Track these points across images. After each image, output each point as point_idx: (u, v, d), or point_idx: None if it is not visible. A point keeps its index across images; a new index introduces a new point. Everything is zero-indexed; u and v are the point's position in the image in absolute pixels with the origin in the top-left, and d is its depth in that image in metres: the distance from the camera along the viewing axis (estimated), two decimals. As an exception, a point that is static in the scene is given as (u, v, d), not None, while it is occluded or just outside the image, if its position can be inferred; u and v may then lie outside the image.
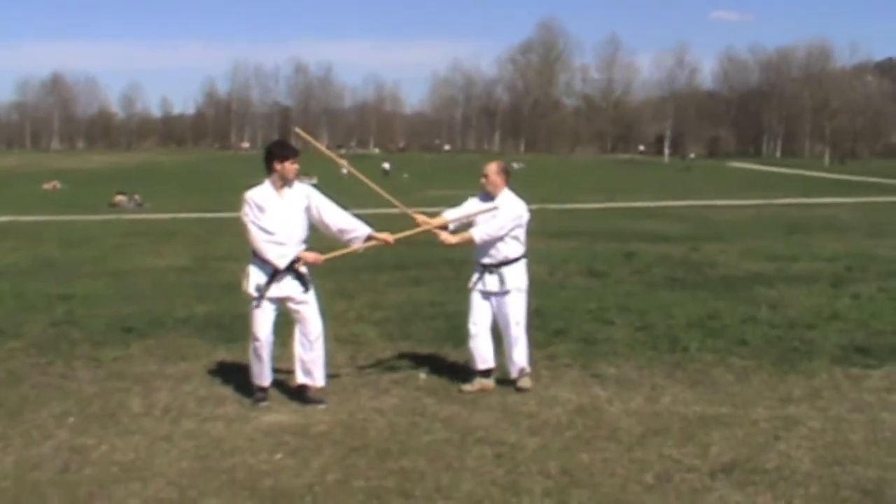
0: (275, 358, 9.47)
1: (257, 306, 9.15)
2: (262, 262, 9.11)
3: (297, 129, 10.83)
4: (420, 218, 9.91)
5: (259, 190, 9.11)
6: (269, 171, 9.14)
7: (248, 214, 9.07)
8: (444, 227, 9.89)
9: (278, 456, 7.59)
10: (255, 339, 9.21)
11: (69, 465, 7.41)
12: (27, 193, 68.95)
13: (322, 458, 7.50)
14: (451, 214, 9.97)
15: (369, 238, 9.39)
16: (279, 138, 9.97)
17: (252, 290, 9.13)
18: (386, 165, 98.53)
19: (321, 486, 6.94)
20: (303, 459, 7.49)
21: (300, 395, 9.31)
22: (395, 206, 10.07)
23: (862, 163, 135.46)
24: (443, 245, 9.90)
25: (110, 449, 7.79)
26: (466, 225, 9.80)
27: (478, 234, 9.59)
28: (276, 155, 9.12)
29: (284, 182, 9.14)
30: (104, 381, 10.05)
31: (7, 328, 12.89)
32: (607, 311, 13.79)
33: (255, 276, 9.13)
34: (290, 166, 9.11)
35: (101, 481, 7.06)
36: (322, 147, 10.31)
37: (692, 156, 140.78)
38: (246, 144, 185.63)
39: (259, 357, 9.25)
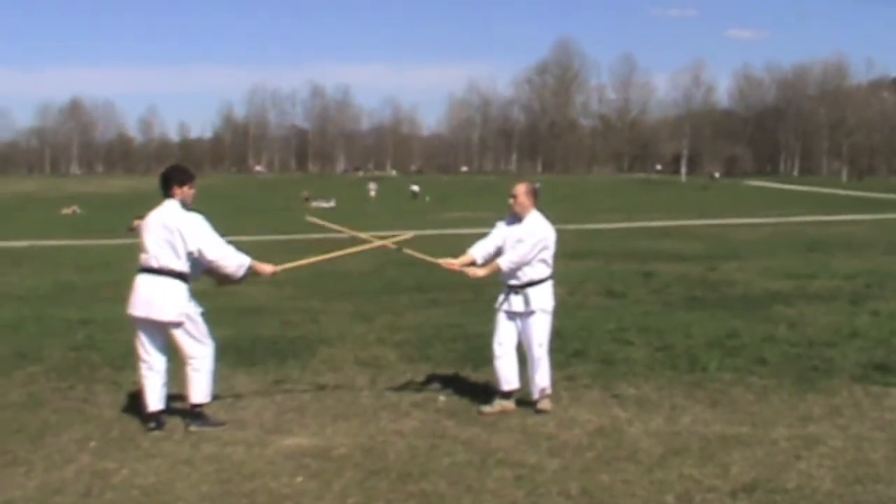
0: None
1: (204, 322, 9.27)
2: (187, 281, 9.15)
3: (310, 219, 10.85)
4: (445, 262, 10.03)
5: (178, 208, 9.18)
6: (168, 195, 9.23)
7: (204, 230, 9.14)
8: (471, 264, 9.95)
9: (299, 479, 7.60)
10: (211, 344, 9.36)
11: (91, 489, 7.44)
12: (46, 218, 69.38)
13: (343, 481, 7.51)
14: (477, 250, 9.99)
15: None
16: (177, 164, 10.10)
17: (199, 307, 9.23)
18: (415, 188, 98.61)
19: (342, 508, 6.96)
20: (324, 482, 7.50)
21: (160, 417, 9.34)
22: (425, 261, 10.22)
23: (880, 179, 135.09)
24: (473, 279, 9.98)
25: (131, 473, 7.81)
26: (495, 254, 9.83)
27: (504, 262, 9.65)
28: (176, 180, 9.27)
29: (186, 207, 9.25)
30: (124, 406, 10.08)
31: (27, 353, 12.93)
32: (626, 331, 13.76)
33: (192, 295, 9.21)
34: (188, 190, 9.29)
35: (123, 505, 7.09)
36: (343, 229, 10.41)
37: (716, 174, 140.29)
38: (258, 167, 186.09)
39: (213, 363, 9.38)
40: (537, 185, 10.09)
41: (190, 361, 9.19)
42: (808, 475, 7.51)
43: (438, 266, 10.14)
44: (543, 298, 9.72)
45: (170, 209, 9.15)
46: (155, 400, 9.23)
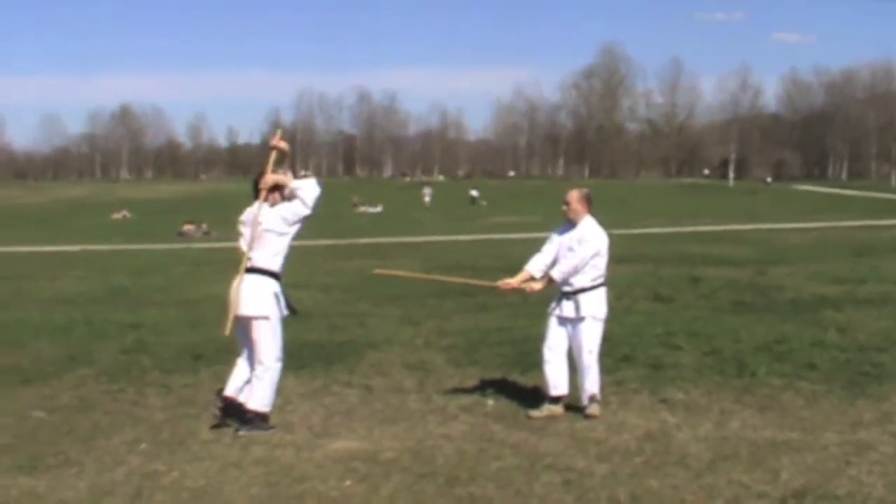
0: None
1: (281, 326, 9.42)
2: (279, 280, 9.42)
3: (378, 271, 10.99)
4: (503, 284, 10.15)
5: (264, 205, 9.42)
6: (258, 196, 9.43)
7: (288, 208, 9.38)
8: (529, 279, 9.98)
9: (347, 483, 7.63)
10: (281, 361, 9.46)
11: (141, 491, 7.50)
12: (97, 223, 69.89)
13: (391, 485, 7.53)
14: (534, 265, 10.01)
15: None
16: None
17: (284, 311, 9.42)
18: (474, 192, 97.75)
19: (390, 512, 6.98)
20: (372, 486, 7.52)
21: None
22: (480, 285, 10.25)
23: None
24: (531, 293, 10.08)
25: (181, 475, 7.87)
26: (552, 265, 9.84)
27: (557, 273, 9.69)
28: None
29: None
30: (174, 408, 10.17)
31: (79, 356, 13.07)
32: (674, 335, 13.71)
33: (281, 296, 9.43)
34: (276, 196, 9.48)
35: (173, 507, 7.14)
36: (409, 274, 10.57)
37: (769, 179, 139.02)
38: (302, 172, 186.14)
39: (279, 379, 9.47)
40: (586, 190, 10.08)
41: (257, 367, 9.29)
42: (859, 482, 7.45)
43: (497, 288, 10.23)
44: (595, 305, 9.71)
45: (265, 207, 9.41)
46: (232, 388, 9.42)
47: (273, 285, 9.33)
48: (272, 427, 9.31)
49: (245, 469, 8.03)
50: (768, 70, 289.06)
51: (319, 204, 9.36)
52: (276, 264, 9.35)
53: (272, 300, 9.30)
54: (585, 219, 9.83)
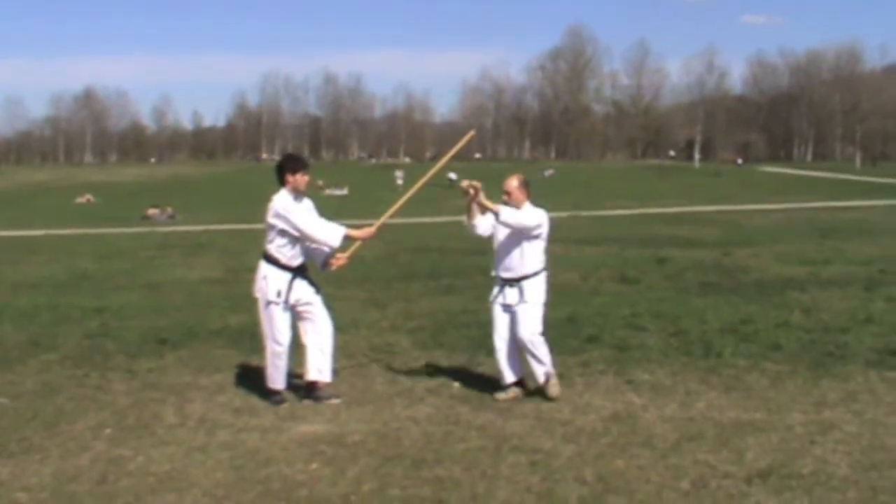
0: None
1: (279, 311, 9.55)
2: (281, 267, 9.53)
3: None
4: (466, 183, 9.71)
5: (283, 195, 9.55)
6: (282, 182, 9.61)
7: (288, 210, 9.46)
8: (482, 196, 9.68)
9: (313, 466, 7.61)
10: (278, 343, 9.60)
11: (106, 476, 7.45)
12: (61, 207, 69.50)
13: (357, 468, 7.51)
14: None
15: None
16: (291, 152, 10.50)
17: (273, 296, 9.51)
18: (452, 175, 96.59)
19: (356, 495, 6.95)
20: (338, 469, 7.50)
21: (310, 392, 9.74)
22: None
23: (894, 165, 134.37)
24: (473, 200, 9.67)
25: (146, 460, 7.83)
26: (489, 228, 9.81)
27: (504, 211, 9.37)
28: (287, 168, 9.63)
29: (297, 193, 9.60)
30: (139, 393, 10.10)
31: (42, 341, 12.97)
32: (640, 317, 13.74)
33: (275, 281, 9.52)
34: (301, 178, 9.63)
35: (138, 492, 7.09)
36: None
37: (740, 161, 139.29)
38: (265, 156, 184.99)
39: (280, 361, 9.66)
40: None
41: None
42: (824, 461, 7.49)
43: (461, 190, 9.85)
44: (536, 291, 9.66)
45: (277, 197, 9.55)
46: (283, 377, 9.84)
47: (264, 269, 9.57)
48: (276, 401, 9.60)
49: (211, 453, 7.99)
50: (735, 52, 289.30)
51: (313, 238, 9.53)
52: (270, 249, 9.55)
53: (262, 283, 9.58)
54: (526, 205, 9.71)
